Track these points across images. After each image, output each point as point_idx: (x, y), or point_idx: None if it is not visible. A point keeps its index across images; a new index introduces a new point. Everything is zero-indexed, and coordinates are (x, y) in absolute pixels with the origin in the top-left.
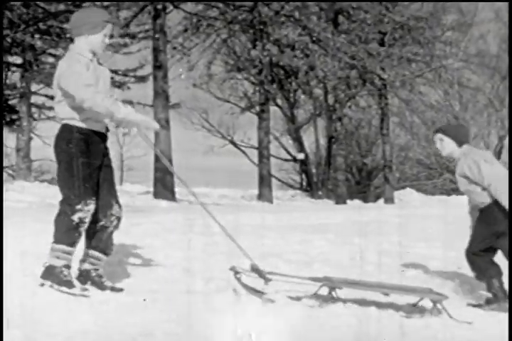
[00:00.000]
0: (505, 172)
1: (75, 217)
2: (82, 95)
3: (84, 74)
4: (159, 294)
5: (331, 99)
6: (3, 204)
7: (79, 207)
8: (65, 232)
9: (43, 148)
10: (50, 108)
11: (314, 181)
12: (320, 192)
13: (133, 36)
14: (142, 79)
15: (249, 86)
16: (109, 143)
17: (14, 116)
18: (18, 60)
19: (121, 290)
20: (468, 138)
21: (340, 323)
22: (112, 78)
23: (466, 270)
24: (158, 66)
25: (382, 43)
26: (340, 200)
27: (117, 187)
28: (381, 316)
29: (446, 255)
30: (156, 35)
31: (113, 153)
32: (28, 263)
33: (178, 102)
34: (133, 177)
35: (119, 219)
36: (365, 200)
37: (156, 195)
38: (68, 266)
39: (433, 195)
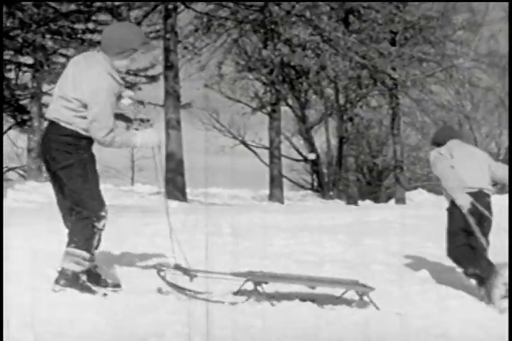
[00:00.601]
0: (449, 169)
1: (101, 224)
2: (102, 138)
3: (112, 107)
4: (170, 295)
5: (342, 99)
6: (14, 204)
7: (103, 213)
8: (89, 239)
9: None
10: None
11: (325, 181)
12: (331, 193)
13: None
14: (153, 79)
15: (260, 86)
16: None
17: (25, 117)
18: (29, 60)
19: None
20: (440, 138)
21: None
22: (122, 78)
23: None
24: (169, 66)
25: (393, 43)
26: (351, 201)
27: (128, 187)
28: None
29: None
30: (167, 35)
31: (124, 154)
32: (38, 263)
33: (189, 102)
34: (144, 178)
35: (105, 217)
36: (376, 201)
37: (167, 195)
38: (84, 273)
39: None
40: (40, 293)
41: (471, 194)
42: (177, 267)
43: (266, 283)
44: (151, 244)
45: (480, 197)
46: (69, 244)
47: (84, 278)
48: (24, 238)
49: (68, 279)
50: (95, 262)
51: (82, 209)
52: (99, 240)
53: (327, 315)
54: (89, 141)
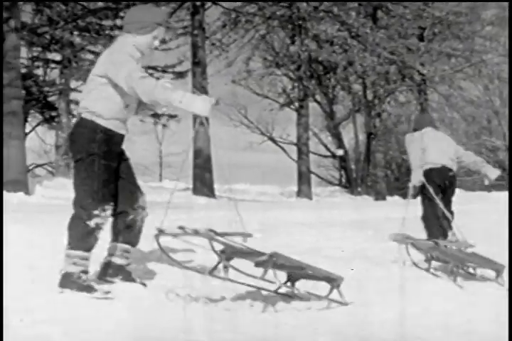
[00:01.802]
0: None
1: (92, 223)
2: (140, 87)
3: (136, 67)
4: (199, 291)
5: (370, 95)
6: (42, 200)
7: (96, 212)
8: (81, 238)
9: None
10: None
11: (353, 177)
12: (359, 189)
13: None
14: (181, 75)
15: (288, 82)
16: (148, 140)
17: (53, 113)
18: (57, 57)
19: (144, 285)
20: (418, 126)
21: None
22: (150, 75)
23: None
24: (197, 62)
25: (421, 38)
26: (379, 197)
27: (156, 184)
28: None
29: (487, 251)
30: (195, 31)
31: (152, 150)
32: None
33: (217, 100)
34: (172, 174)
35: (144, 208)
36: (405, 197)
37: (195, 191)
38: (86, 272)
39: (473, 191)
40: (68, 291)
41: (435, 169)
42: (181, 228)
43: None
44: (178, 240)
45: (442, 170)
46: (66, 245)
47: (84, 277)
48: (51, 234)
49: (69, 281)
50: (128, 259)
51: (74, 207)
52: (95, 239)
53: (356, 312)
54: (108, 136)
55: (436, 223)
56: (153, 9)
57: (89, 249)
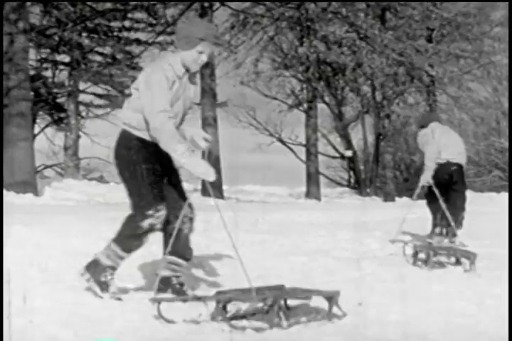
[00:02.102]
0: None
1: (145, 223)
2: (152, 121)
3: (164, 95)
4: (208, 291)
5: (378, 96)
6: (51, 202)
7: (150, 212)
8: (127, 237)
9: (91, 147)
10: (98, 106)
11: (362, 178)
12: (368, 190)
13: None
14: None
15: (297, 83)
16: None
17: (62, 115)
18: (66, 59)
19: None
20: (424, 122)
21: None
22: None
23: None
24: (206, 64)
25: (430, 40)
26: (388, 198)
27: None
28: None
29: (496, 253)
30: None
31: None
32: (76, 262)
33: (225, 101)
34: (181, 176)
35: (191, 219)
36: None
37: (204, 192)
38: (114, 268)
39: (482, 192)
40: (79, 292)
41: (440, 164)
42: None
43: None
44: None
45: (445, 166)
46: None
47: (108, 273)
48: (61, 236)
49: (94, 268)
50: (182, 269)
51: (131, 208)
52: (141, 242)
53: (363, 312)
54: (144, 143)
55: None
56: (199, 24)
57: (128, 250)
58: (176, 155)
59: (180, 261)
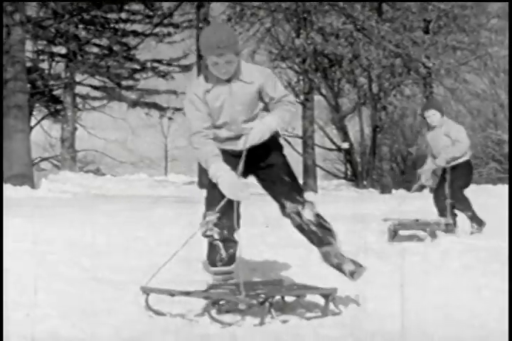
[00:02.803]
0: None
1: (201, 231)
2: (191, 142)
3: (195, 117)
4: (207, 284)
5: (375, 88)
6: (48, 194)
7: (202, 221)
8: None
9: (88, 139)
10: (95, 98)
11: (359, 171)
12: (365, 182)
13: (177, 26)
14: (186, 68)
15: (294, 75)
16: (153, 133)
17: (58, 107)
18: (63, 50)
19: (361, 266)
20: (423, 107)
21: None
22: (155, 68)
23: None
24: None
25: (426, 31)
26: (385, 190)
27: (162, 177)
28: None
29: (494, 245)
30: (200, 25)
31: (157, 144)
32: (74, 254)
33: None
34: (178, 168)
35: (297, 213)
36: (411, 190)
37: (201, 185)
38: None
39: (478, 184)
40: (77, 284)
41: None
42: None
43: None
44: (185, 233)
45: None
46: None
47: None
48: (59, 228)
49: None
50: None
51: None
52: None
53: (361, 305)
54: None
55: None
56: (203, 37)
57: (211, 263)
58: (208, 171)
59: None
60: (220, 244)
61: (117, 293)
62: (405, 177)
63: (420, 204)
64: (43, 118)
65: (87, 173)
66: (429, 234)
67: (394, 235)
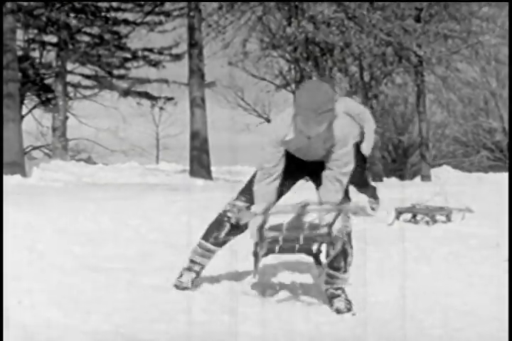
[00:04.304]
0: None
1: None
2: (257, 174)
3: (266, 156)
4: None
5: (366, 77)
6: (40, 183)
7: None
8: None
9: (79, 127)
10: (86, 87)
11: None
12: None
13: (168, 14)
14: (177, 57)
15: (285, 63)
16: (145, 122)
17: (50, 96)
18: (54, 39)
19: (349, 310)
20: None
21: None
22: (146, 57)
23: (503, 248)
24: (194, 44)
25: (418, 20)
26: (376, 178)
27: (153, 166)
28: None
29: (484, 233)
30: (191, 13)
31: (149, 132)
32: (65, 242)
33: (213, 81)
34: (169, 156)
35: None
36: (402, 178)
37: (192, 173)
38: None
39: (470, 172)
40: (68, 272)
41: None
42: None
43: None
44: (177, 221)
45: None
46: None
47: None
48: (50, 216)
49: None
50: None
51: None
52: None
53: (355, 292)
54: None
55: None
56: (302, 93)
57: (205, 236)
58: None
59: (332, 272)
60: (228, 227)
61: (108, 281)
62: (396, 166)
63: (411, 192)
64: (34, 107)
65: (78, 162)
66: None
67: (397, 216)
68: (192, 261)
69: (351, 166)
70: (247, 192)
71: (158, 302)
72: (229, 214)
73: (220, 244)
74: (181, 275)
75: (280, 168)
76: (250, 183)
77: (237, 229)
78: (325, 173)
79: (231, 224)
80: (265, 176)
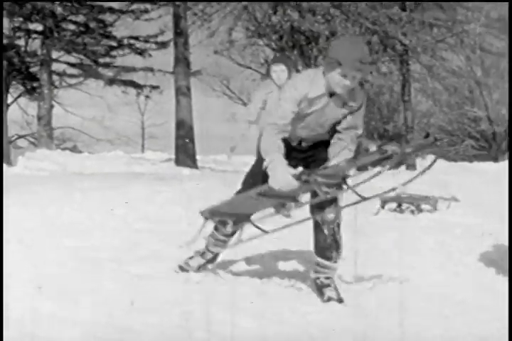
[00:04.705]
0: None
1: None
2: (264, 131)
3: (281, 112)
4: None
5: None
6: (25, 172)
7: None
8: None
9: (65, 116)
10: (71, 75)
11: None
12: None
13: (153, 2)
14: (163, 45)
15: (270, 52)
16: (130, 111)
17: (35, 84)
18: (39, 27)
19: (341, 301)
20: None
21: None
22: (132, 45)
23: (489, 237)
24: (179, 32)
25: (403, 8)
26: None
27: (139, 154)
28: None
29: (469, 222)
30: (177, 2)
31: (134, 121)
32: (52, 231)
33: (199, 70)
34: (155, 145)
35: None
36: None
37: (178, 162)
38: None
39: (455, 161)
40: (56, 262)
41: None
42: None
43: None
44: (163, 210)
45: None
46: None
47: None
48: (36, 206)
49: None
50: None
51: None
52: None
53: (341, 283)
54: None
55: None
56: (343, 45)
57: (216, 227)
58: (266, 161)
59: (322, 261)
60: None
61: (96, 271)
62: None
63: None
64: (19, 96)
65: (64, 151)
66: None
67: (382, 206)
68: (207, 249)
69: (362, 129)
70: (250, 182)
71: (145, 292)
72: None
73: (230, 234)
74: (191, 258)
75: (289, 128)
76: (251, 173)
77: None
78: (341, 136)
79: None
80: (276, 131)
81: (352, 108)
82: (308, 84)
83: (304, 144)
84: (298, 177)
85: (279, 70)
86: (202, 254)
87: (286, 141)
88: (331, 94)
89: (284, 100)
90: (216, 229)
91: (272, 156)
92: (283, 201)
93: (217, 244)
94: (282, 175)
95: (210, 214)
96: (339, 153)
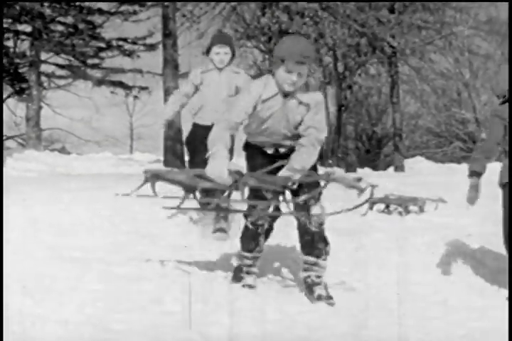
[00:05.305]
0: None
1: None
2: (219, 123)
3: (238, 108)
4: (171, 262)
5: (340, 67)
6: (13, 172)
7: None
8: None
9: (53, 117)
10: (60, 77)
11: (324, 149)
12: (330, 161)
13: (142, 4)
14: (152, 47)
15: (259, 54)
16: (118, 112)
17: (24, 85)
18: (28, 29)
19: (330, 298)
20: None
21: None
22: (120, 47)
23: (475, 238)
24: (168, 34)
25: (392, 10)
26: (350, 168)
27: (127, 156)
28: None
29: (456, 223)
30: (165, 3)
31: (123, 122)
32: (39, 231)
33: (188, 71)
34: (143, 146)
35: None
36: (375, 168)
37: (167, 163)
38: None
39: (443, 162)
40: (41, 262)
41: None
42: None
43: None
44: (151, 211)
45: None
46: None
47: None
48: (24, 206)
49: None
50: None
51: None
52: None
53: (328, 283)
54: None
55: None
56: (284, 43)
57: (247, 249)
58: (210, 150)
59: (312, 259)
60: (263, 235)
61: (81, 271)
62: (370, 156)
63: (384, 182)
64: (8, 97)
65: (52, 152)
66: (403, 210)
67: (371, 207)
68: (247, 269)
69: (325, 134)
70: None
71: (130, 293)
72: (260, 223)
73: (260, 250)
74: (243, 279)
75: (240, 127)
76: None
77: (270, 230)
78: (301, 141)
79: (264, 229)
80: (228, 127)
81: (308, 105)
82: (262, 87)
83: (281, 151)
84: (230, 173)
85: (222, 52)
86: (247, 273)
87: (262, 150)
88: (286, 95)
89: (239, 101)
90: (245, 249)
91: (216, 147)
92: (213, 187)
93: (255, 259)
94: (218, 167)
95: (153, 176)
96: (296, 159)
